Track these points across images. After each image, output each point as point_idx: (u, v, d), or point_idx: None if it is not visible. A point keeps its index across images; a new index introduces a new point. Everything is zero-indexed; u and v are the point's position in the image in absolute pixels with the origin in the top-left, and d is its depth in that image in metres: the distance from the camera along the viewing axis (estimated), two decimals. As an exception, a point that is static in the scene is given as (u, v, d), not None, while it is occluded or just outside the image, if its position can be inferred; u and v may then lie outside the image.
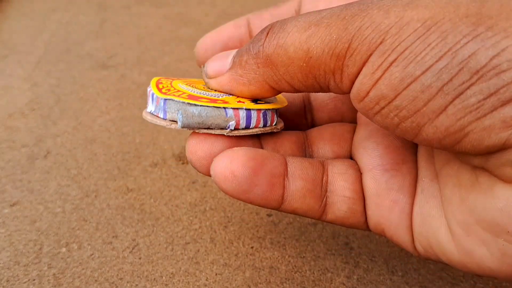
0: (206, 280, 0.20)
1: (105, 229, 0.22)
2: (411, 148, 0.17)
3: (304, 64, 0.14)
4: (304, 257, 0.21)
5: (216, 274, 0.20)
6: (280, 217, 0.23)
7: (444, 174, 0.15)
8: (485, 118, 0.11)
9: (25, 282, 0.19)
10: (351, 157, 0.19)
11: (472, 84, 0.11)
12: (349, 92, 0.14)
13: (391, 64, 0.12)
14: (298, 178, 0.16)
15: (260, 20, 0.20)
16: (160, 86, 0.17)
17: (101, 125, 0.29)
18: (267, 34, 0.15)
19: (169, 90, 0.16)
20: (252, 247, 0.21)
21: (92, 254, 0.21)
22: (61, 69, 0.35)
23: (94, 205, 0.23)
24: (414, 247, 0.16)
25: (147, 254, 0.21)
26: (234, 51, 0.16)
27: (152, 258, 0.21)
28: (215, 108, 0.16)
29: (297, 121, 0.21)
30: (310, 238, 0.22)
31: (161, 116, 0.16)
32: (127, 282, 0.20)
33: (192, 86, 0.17)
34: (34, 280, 0.19)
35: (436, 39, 0.11)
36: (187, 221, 0.23)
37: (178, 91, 0.16)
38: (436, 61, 0.11)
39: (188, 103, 0.15)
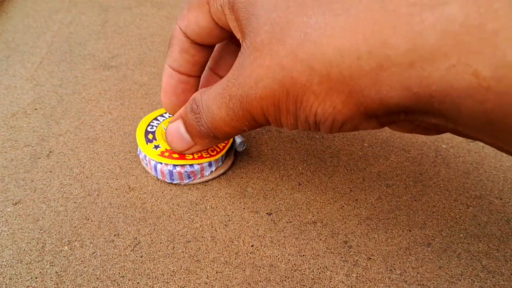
0: (207, 278, 0.20)
1: (107, 228, 0.22)
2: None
3: None
4: (303, 255, 0.21)
5: (216, 272, 0.20)
6: (280, 216, 0.23)
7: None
8: None
9: (27, 280, 0.19)
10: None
11: None
12: None
13: None
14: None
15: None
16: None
17: (103, 125, 0.29)
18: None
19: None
20: (252, 246, 0.22)
21: (94, 252, 0.21)
22: (64, 69, 0.35)
23: (96, 204, 0.23)
24: None
25: (149, 252, 0.21)
26: (182, 129, 0.23)
27: (153, 256, 0.21)
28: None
29: None
30: (309, 237, 0.22)
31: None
32: (129, 280, 0.20)
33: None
34: (36, 278, 0.20)
35: None
36: (188, 220, 0.23)
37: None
38: None
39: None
